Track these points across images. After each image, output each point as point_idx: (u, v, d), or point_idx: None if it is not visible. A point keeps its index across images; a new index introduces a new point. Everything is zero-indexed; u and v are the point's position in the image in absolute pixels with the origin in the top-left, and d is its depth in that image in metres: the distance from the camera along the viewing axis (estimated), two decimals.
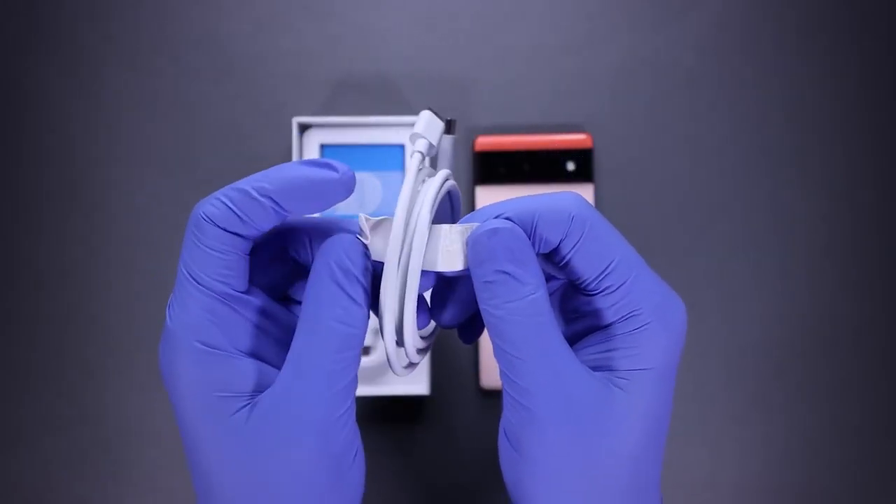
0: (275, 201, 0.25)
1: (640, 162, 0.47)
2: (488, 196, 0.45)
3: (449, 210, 0.31)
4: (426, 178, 0.28)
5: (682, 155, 0.47)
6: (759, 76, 0.47)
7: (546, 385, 0.25)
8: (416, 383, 0.44)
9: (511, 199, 0.27)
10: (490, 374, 0.45)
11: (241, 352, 0.26)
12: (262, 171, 0.26)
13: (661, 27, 0.47)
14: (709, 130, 0.47)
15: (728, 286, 0.46)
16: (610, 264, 0.26)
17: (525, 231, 0.26)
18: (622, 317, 0.27)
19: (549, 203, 0.27)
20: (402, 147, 0.45)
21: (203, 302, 0.25)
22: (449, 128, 0.30)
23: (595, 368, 0.27)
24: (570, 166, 0.45)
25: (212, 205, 0.25)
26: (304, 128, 0.45)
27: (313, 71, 0.47)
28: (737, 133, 0.47)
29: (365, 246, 0.26)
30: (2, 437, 0.45)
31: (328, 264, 0.26)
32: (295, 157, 0.44)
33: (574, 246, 0.27)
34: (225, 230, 0.25)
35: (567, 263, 0.27)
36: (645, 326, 0.26)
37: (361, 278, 0.26)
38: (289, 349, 0.26)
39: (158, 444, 0.45)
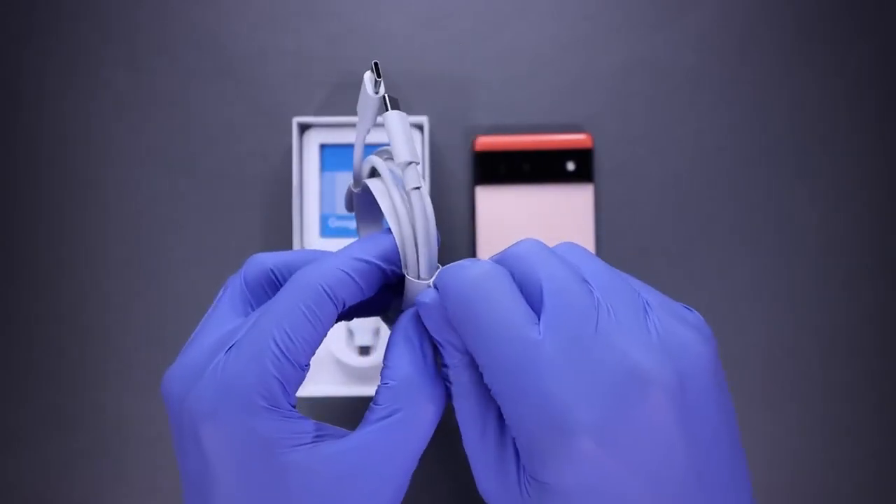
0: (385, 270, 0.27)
1: (640, 162, 0.47)
2: (488, 196, 0.45)
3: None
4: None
5: (682, 155, 0.47)
6: (759, 76, 0.47)
7: (470, 458, 0.26)
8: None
9: (455, 264, 0.26)
10: None
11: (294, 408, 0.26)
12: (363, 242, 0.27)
13: (661, 27, 0.47)
14: (709, 130, 0.47)
15: (728, 286, 0.46)
16: (479, 361, 0.24)
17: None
18: (508, 423, 0.24)
19: (454, 272, 0.25)
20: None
21: (281, 366, 0.24)
22: (387, 103, 0.28)
23: None
24: (570, 166, 0.45)
25: (333, 276, 0.25)
26: (304, 128, 0.45)
27: (313, 71, 0.47)
28: (737, 133, 0.47)
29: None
30: (2, 437, 0.45)
31: None
32: (295, 157, 0.44)
33: (456, 326, 0.25)
34: (334, 301, 0.25)
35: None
36: (522, 441, 0.23)
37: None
38: None
39: (158, 444, 0.45)
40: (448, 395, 0.26)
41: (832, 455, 0.46)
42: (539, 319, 0.24)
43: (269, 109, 0.46)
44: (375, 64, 0.28)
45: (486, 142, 0.45)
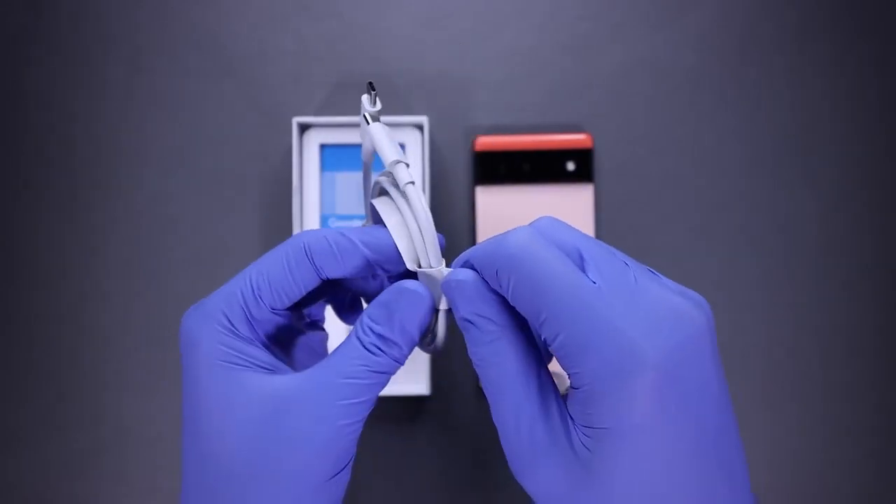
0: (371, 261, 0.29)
1: (640, 162, 0.47)
2: (488, 196, 0.45)
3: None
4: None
5: (682, 155, 0.47)
6: (759, 76, 0.47)
7: (509, 429, 0.26)
8: (416, 383, 0.44)
9: (483, 242, 0.27)
10: None
11: (262, 343, 0.29)
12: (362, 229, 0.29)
13: (661, 27, 0.47)
14: (709, 130, 0.47)
15: (728, 286, 0.46)
16: (540, 314, 0.25)
17: (487, 274, 0.26)
18: (570, 373, 0.25)
19: (494, 245, 0.26)
20: (401, 147, 0.45)
21: (248, 299, 0.28)
22: (367, 119, 0.30)
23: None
24: (570, 166, 0.45)
25: (317, 240, 0.28)
26: (304, 128, 0.45)
27: (313, 71, 0.47)
28: (737, 133, 0.47)
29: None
30: (2, 437, 0.45)
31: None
32: (295, 157, 0.44)
33: (509, 291, 0.26)
34: (311, 261, 0.28)
35: (515, 306, 0.26)
36: (584, 388, 0.24)
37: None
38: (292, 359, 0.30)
39: (158, 444, 0.45)
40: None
41: (832, 455, 0.46)
42: (586, 273, 0.25)
43: (269, 109, 0.46)
44: (370, 84, 0.30)
45: (486, 142, 0.45)
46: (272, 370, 0.28)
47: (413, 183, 0.28)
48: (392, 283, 0.30)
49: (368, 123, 0.30)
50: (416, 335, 0.28)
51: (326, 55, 0.47)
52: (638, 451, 0.23)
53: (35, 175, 0.46)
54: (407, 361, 0.30)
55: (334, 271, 0.29)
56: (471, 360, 0.27)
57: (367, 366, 0.27)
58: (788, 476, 0.45)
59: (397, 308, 0.28)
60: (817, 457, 0.46)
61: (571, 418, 0.25)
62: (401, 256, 0.28)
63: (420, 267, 0.28)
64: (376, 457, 0.46)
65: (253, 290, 0.28)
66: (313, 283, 0.29)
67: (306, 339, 0.33)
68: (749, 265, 0.46)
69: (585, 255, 0.26)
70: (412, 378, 0.44)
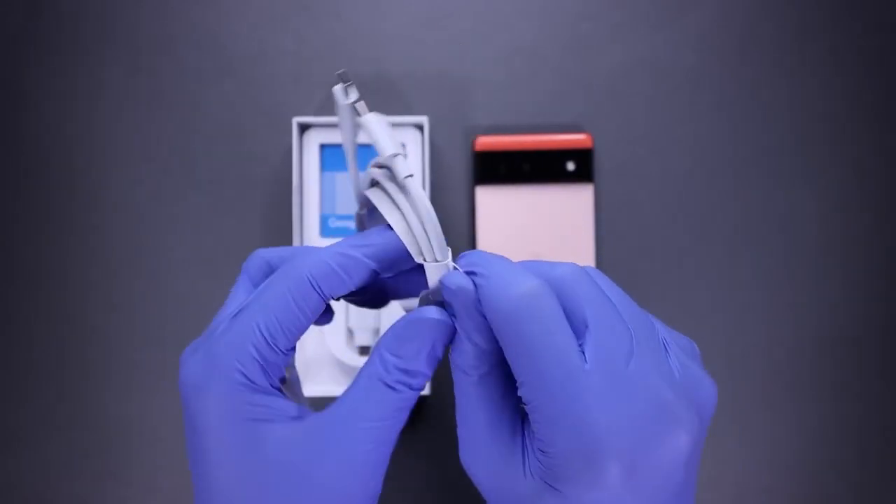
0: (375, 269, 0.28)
1: (640, 162, 0.47)
2: (488, 196, 0.45)
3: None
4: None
5: (682, 155, 0.47)
6: (759, 76, 0.47)
7: (466, 440, 0.26)
8: None
9: (496, 263, 0.26)
10: None
11: (278, 388, 0.27)
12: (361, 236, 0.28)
13: (661, 27, 0.47)
14: (709, 130, 0.47)
15: (728, 286, 0.46)
16: (520, 376, 0.24)
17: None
18: (538, 437, 0.24)
19: (501, 284, 0.25)
20: (401, 147, 0.45)
21: (261, 348, 0.26)
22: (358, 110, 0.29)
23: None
24: (570, 166, 0.45)
25: (319, 266, 0.27)
26: (304, 128, 0.45)
27: (313, 71, 0.47)
28: (737, 133, 0.47)
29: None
30: (2, 437, 0.45)
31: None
32: (295, 157, 0.44)
33: (498, 337, 0.25)
34: (319, 292, 0.27)
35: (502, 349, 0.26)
36: (549, 455, 0.24)
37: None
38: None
39: (158, 444, 0.45)
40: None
41: (832, 455, 0.46)
42: (582, 347, 0.24)
43: (269, 109, 0.46)
44: (342, 73, 0.29)
45: (486, 142, 0.45)
46: (299, 417, 0.27)
47: (412, 176, 0.27)
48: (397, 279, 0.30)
49: (360, 115, 0.29)
50: (440, 358, 0.27)
51: (326, 55, 0.47)
52: None
53: (34, 175, 0.46)
54: None
55: (342, 291, 0.28)
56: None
57: (392, 404, 0.26)
58: (788, 476, 0.45)
59: (421, 340, 0.26)
60: (817, 457, 0.46)
61: (528, 453, 0.25)
62: (405, 256, 0.28)
63: (426, 261, 0.28)
64: None
65: (266, 339, 0.26)
66: (321, 308, 0.27)
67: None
68: (749, 265, 0.46)
69: (591, 325, 0.24)
70: None
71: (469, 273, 0.26)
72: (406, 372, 0.26)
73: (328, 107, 0.47)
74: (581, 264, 0.27)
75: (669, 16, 0.47)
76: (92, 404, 0.45)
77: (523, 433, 0.25)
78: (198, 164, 0.46)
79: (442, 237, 0.27)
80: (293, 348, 0.27)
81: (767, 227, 0.46)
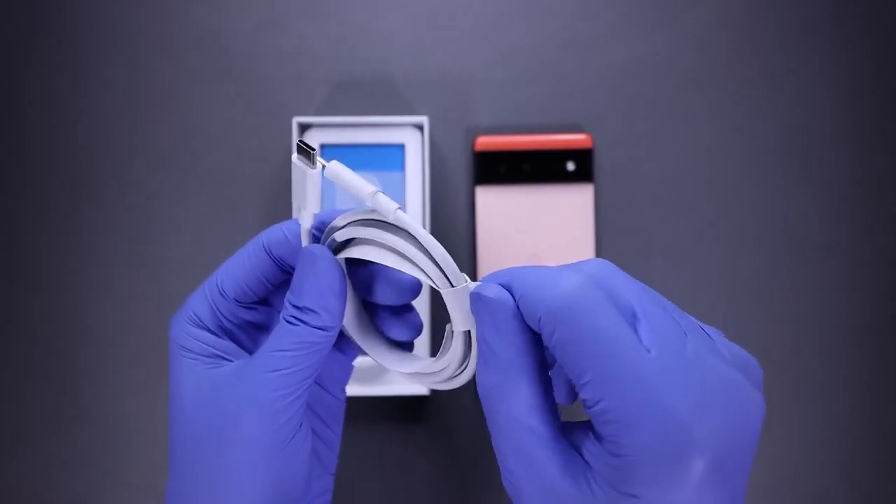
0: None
1: (640, 162, 0.47)
2: (488, 196, 0.45)
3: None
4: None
5: (682, 155, 0.47)
6: (759, 76, 0.47)
7: (513, 463, 0.25)
8: (416, 383, 0.44)
9: (530, 272, 0.25)
10: None
11: (225, 333, 0.31)
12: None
13: (661, 27, 0.47)
14: (709, 130, 0.47)
15: (728, 286, 0.46)
16: (584, 376, 0.23)
17: (527, 313, 0.25)
18: (609, 441, 0.23)
19: (542, 285, 0.24)
20: (402, 147, 0.45)
21: (213, 294, 0.31)
22: (322, 161, 0.28)
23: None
24: (570, 166, 0.45)
25: (273, 232, 0.31)
26: (304, 128, 0.45)
27: (313, 71, 0.47)
28: (737, 133, 0.47)
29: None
30: (2, 437, 0.45)
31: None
32: (295, 157, 0.44)
33: (551, 341, 0.24)
34: (269, 254, 0.30)
35: (553, 354, 0.24)
36: (624, 458, 0.22)
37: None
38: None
39: (158, 444, 0.45)
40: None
41: (832, 455, 0.46)
42: (639, 337, 0.23)
43: (269, 109, 0.46)
44: (300, 144, 0.28)
45: (486, 142, 0.45)
46: (225, 357, 0.30)
47: (399, 207, 0.26)
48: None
49: (322, 166, 0.28)
50: (327, 296, 0.28)
51: (326, 55, 0.47)
52: None
53: (35, 175, 0.46)
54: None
55: (290, 258, 0.30)
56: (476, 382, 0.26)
57: (290, 337, 0.28)
58: (788, 476, 0.45)
59: (302, 273, 0.29)
60: (817, 457, 0.46)
61: (588, 464, 0.23)
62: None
63: (441, 289, 0.26)
64: (376, 457, 0.46)
65: (217, 285, 0.31)
66: (275, 275, 0.31)
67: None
68: (749, 265, 0.46)
69: (640, 313, 0.24)
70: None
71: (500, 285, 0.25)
72: (296, 308, 0.28)
73: (328, 107, 0.47)
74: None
75: (669, 16, 0.47)
76: (92, 404, 0.45)
77: (577, 443, 0.24)
78: (198, 164, 0.46)
79: (451, 261, 0.26)
80: (255, 304, 0.31)
81: (767, 227, 0.46)
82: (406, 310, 0.31)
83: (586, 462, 0.24)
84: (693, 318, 0.26)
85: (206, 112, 0.47)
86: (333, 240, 0.29)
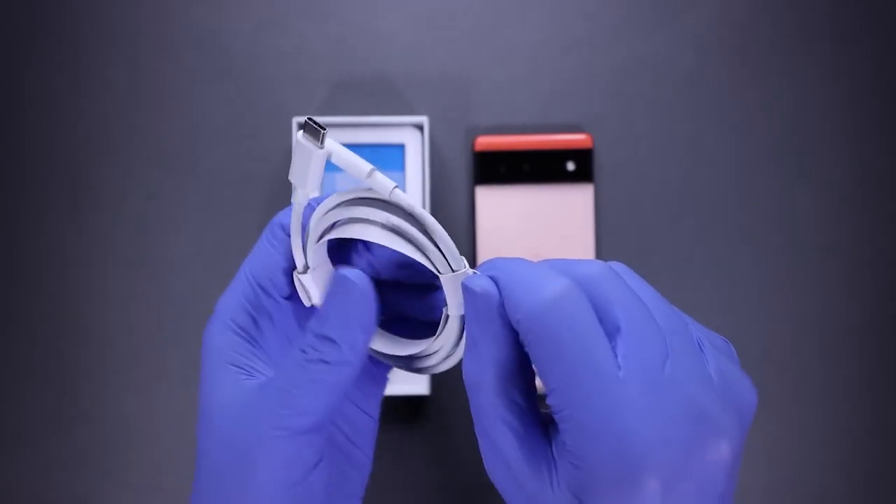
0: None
1: (640, 162, 0.47)
2: (488, 196, 0.45)
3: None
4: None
5: (682, 155, 0.47)
6: (759, 76, 0.47)
7: (488, 453, 0.25)
8: (416, 383, 0.44)
9: (519, 266, 0.24)
10: None
11: (260, 343, 0.29)
12: None
13: (661, 27, 0.47)
14: (709, 130, 0.47)
15: (728, 286, 0.46)
16: (550, 382, 0.23)
17: (509, 312, 0.24)
18: (568, 449, 0.23)
19: (526, 287, 0.23)
20: (402, 147, 0.45)
21: (247, 292, 0.29)
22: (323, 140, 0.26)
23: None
24: (570, 166, 0.45)
25: (287, 212, 0.29)
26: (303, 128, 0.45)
27: (313, 71, 0.47)
28: (737, 133, 0.47)
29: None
30: (2, 437, 0.45)
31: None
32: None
33: (526, 342, 0.23)
34: (289, 234, 0.28)
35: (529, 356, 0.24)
36: (581, 469, 0.22)
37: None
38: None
39: (158, 444, 0.45)
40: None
41: (832, 455, 0.46)
42: (615, 350, 0.23)
43: (269, 109, 0.46)
44: (309, 122, 0.26)
45: (486, 142, 0.45)
46: (258, 370, 0.28)
47: (396, 186, 0.25)
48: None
49: (321, 147, 0.26)
50: (355, 329, 0.26)
51: (326, 55, 0.47)
52: None
53: (35, 175, 0.46)
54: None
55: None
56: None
57: (306, 375, 0.26)
58: (788, 476, 0.45)
59: (331, 300, 0.26)
60: (817, 457, 0.46)
61: (555, 461, 0.24)
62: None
63: (440, 273, 0.25)
64: (376, 457, 0.46)
65: (248, 280, 0.29)
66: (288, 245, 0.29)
67: None
68: (749, 265, 0.46)
69: (624, 328, 0.23)
70: (412, 378, 0.44)
71: (490, 278, 0.25)
72: (317, 338, 0.26)
73: (328, 107, 0.47)
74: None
75: (669, 16, 0.47)
76: (92, 404, 0.45)
77: (550, 444, 0.24)
78: (198, 164, 0.46)
79: (452, 244, 0.25)
80: (284, 292, 0.29)
81: (767, 227, 0.46)
82: (432, 289, 0.29)
83: (554, 459, 0.24)
84: (703, 331, 0.25)
85: (206, 112, 0.47)
86: (327, 222, 0.27)
